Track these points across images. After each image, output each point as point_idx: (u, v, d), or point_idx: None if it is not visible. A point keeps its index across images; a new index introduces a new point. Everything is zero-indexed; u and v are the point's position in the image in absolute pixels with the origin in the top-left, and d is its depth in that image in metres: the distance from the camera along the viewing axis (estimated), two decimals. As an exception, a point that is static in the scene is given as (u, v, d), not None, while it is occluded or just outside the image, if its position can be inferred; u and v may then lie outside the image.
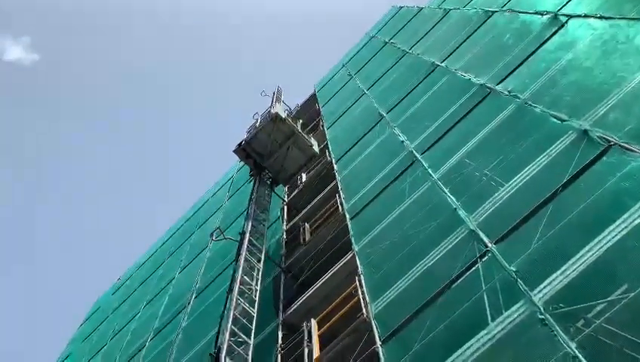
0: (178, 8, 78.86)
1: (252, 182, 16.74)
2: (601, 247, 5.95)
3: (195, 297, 16.64)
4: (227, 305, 11.11)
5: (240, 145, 16.13)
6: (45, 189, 75.48)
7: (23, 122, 74.83)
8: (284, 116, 16.05)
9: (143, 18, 79.76)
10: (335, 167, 16.13)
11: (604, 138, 7.22)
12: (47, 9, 75.50)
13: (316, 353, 9.90)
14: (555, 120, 8.47)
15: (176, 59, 79.75)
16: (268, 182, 16.38)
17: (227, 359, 9.15)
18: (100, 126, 78.16)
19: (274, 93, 18.02)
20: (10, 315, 65.31)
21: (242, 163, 22.06)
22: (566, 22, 10.91)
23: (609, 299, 5.42)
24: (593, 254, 5.98)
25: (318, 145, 17.89)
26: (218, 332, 11.53)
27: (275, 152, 16.07)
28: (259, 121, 16.56)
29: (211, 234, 13.91)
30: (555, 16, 11.41)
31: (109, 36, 78.16)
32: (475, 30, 14.97)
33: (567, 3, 11.65)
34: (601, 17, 9.88)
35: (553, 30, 11.06)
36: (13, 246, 71.71)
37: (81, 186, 76.59)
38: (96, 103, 78.38)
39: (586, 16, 10.36)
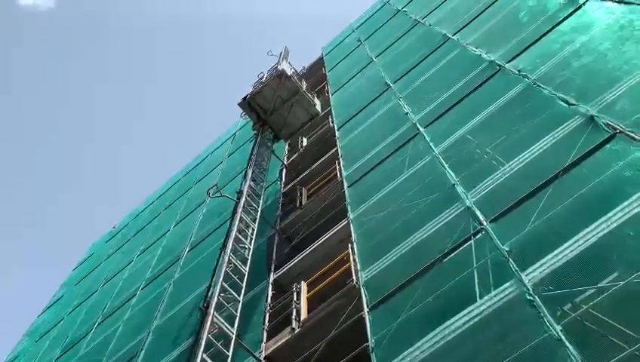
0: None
1: (253, 141, 16.79)
2: (597, 233, 5.97)
3: (189, 251, 16.79)
4: (219, 261, 11.22)
5: (245, 98, 16.42)
6: (55, 130, 75.28)
7: (38, 67, 74.17)
8: (289, 74, 16.30)
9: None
10: (337, 133, 16.05)
11: (610, 125, 7.16)
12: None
13: (304, 314, 10.05)
14: (562, 103, 8.38)
15: (197, 10, 78.30)
16: (269, 143, 16.38)
17: (216, 314, 9.27)
18: (112, 73, 77.49)
19: (281, 53, 17.91)
20: (10, 253, 66.12)
21: (245, 121, 22.07)
22: (584, 3, 10.68)
23: (599, 285, 5.47)
24: (588, 240, 6.00)
25: (322, 110, 17.92)
26: (209, 287, 11.68)
27: (279, 108, 16.42)
28: (265, 76, 16.72)
29: (208, 191, 13.92)
30: (574, -3, 11.15)
31: None
32: (490, 5, 14.63)
33: (587, -17, 11.38)
34: (620, 1, 9.67)
35: (570, 11, 10.83)
36: (18, 182, 71.95)
37: (91, 128, 76.29)
38: (109, 51, 77.53)
39: (605, -2, 10.14)
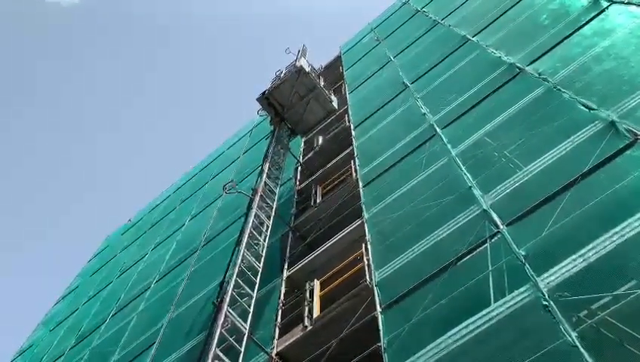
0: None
1: (269, 138, 16.89)
2: (614, 241, 5.92)
3: (204, 245, 16.91)
4: (234, 257, 11.28)
5: (263, 93, 16.63)
6: (77, 121, 76.13)
7: (59, 62, 75.12)
8: (307, 70, 16.50)
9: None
10: (353, 132, 16.04)
11: (631, 131, 7.09)
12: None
13: (316, 312, 10.08)
14: (582, 107, 8.30)
15: (219, 6, 78.77)
16: (285, 140, 16.45)
17: (229, 309, 9.33)
18: (133, 68, 78.18)
19: (299, 51, 18.01)
20: (27, 242, 67.08)
21: (262, 118, 22.18)
22: (607, 7, 10.56)
23: (616, 292, 5.42)
24: (605, 247, 5.95)
25: (339, 109, 17.97)
26: (222, 282, 11.75)
27: (296, 104, 16.62)
28: (283, 73, 16.93)
29: (224, 187, 14.00)
30: (596, 0, 11.03)
31: None
32: (511, 7, 14.52)
33: (611, -13, 11.25)
34: (644, 6, 9.56)
35: (592, 15, 10.72)
36: (34, 175, 72.91)
37: (112, 121, 77.04)
38: (131, 47, 78.23)
39: (629, 2, 10.01)
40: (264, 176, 14.03)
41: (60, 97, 76.49)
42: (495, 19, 14.59)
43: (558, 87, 9.28)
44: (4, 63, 72.28)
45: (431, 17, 19.73)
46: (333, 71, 25.90)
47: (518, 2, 14.44)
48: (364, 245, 10.26)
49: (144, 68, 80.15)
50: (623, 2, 10.19)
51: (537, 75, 10.12)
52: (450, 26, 17.05)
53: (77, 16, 76.55)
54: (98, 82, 77.79)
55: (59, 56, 75.14)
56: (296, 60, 17.10)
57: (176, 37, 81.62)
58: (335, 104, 17.40)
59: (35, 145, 73.73)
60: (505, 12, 14.52)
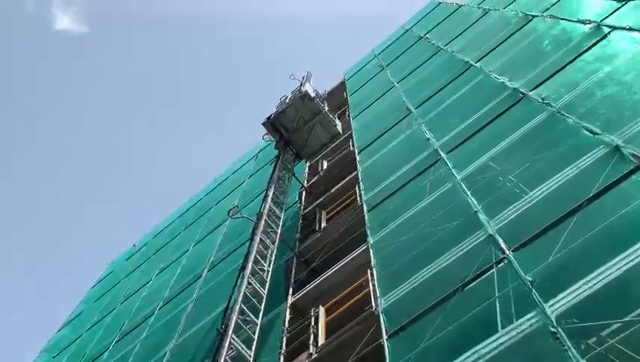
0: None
1: (274, 163, 17.00)
2: (622, 266, 5.87)
3: (208, 271, 16.85)
4: (238, 283, 11.25)
5: (269, 118, 17.00)
6: (83, 145, 76.71)
7: (68, 91, 76.18)
8: (312, 95, 16.88)
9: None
10: (357, 157, 16.10)
11: (636, 155, 7.09)
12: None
13: (322, 339, 9.99)
14: (586, 132, 8.32)
15: (220, 33, 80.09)
16: (290, 165, 16.55)
17: (234, 336, 9.26)
18: (139, 100, 79.16)
19: (303, 77, 18.29)
20: (28, 270, 66.99)
21: (266, 143, 22.34)
22: (609, 33, 10.66)
23: (625, 319, 5.35)
24: (613, 272, 5.90)
25: (343, 134, 18.11)
26: (226, 309, 11.68)
27: (301, 128, 16.98)
28: (288, 97, 17.29)
29: (229, 212, 14.03)
30: (598, 26, 11.14)
31: (162, 10, 78.66)
32: (514, 33, 14.70)
33: (611, 13, 11.37)
34: (646, 32, 9.64)
35: (594, 40, 10.81)
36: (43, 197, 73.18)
37: (120, 151, 77.60)
38: (138, 76, 79.34)
39: (630, 29, 10.10)
40: (269, 200, 14.06)
41: (65, 122, 77.23)
42: (498, 45, 14.74)
43: (562, 111, 9.31)
44: (13, 89, 73.28)
45: (434, 43, 19.96)
46: (337, 96, 26.14)
47: (520, 29, 14.61)
48: (369, 270, 10.21)
49: (150, 94, 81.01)
50: (624, 28, 10.29)
51: (541, 100, 10.17)
52: (453, 52, 17.24)
53: (85, 43, 77.78)
54: (103, 107, 78.62)
55: (65, 82, 76.07)
56: (301, 85, 17.41)
57: (186, 64, 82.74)
58: (339, 128, 17.68)
59: (39, 167, 74.16)
60: (507, 38, 14.69)
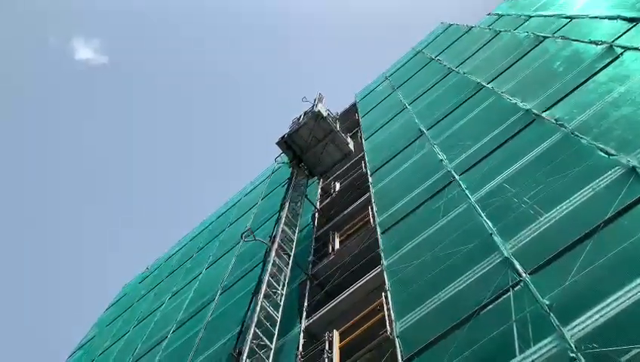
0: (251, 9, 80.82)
1: (287, 184, 17.12)
2: (641, 290, 5.77)
3: (221, 294, 16.81)
4: (252, 307, 11.21)
5: (283, 137, 17.57)
6: (94, 178, 77.62)
7: (89, 121, 77.60)
8: (325, 115, 17.48)
9: (210, 19, 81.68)
10: (370, 179, 16.08)
11: (653, 177, 7.02)
12: (123, 13, 78.35)
13: (336, 364, 9.88)
14: (602, 153, 8.26)
15: (247, 61, 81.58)
16: (302, 187, 16.62)
17: (248, 361, 9.20)
18: (154, 126, 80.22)
19: (315, 98, 18.57)
20: (39, 293, 67.23)
21: (279, 165, 22.56)
22: (621, 53, 10.65)
23: (646, 344, 5.25)
24: (632, 296, 5.80)
25: (355, 155, 18.22)
26: (239, 333, 11.63)
27: (314, 147, 17.59)
28: (302, 117, 17.85)
29: (242, 235, 14.05)
30: (611, 47, 11.14)
31: (178, 41, 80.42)
32: (525, 54, 14.73)
33: (624, 33, 11.37)
34: (659, 52, 9.62)
35: (607, 61, 10.80)
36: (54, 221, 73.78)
37: (134, 174, 78.41)
38: (157, 105, 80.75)
39: (643, 49, 10.09)
40: (282, 223, 14.06)
41: (81, 149, 78.21)
42: (509, 67, 14.77)
43: (576, 132, 9.26)
44: (32, 123, 74.58)
45: (445, 65, 20.04)
46: (349, 118, 26.24)
47: (531, 50, 14.64)
48: (383, 294, 10.13)
49: (164, 119, 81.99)
50: (637, 49, 10.27)
51: (554, 121, 10.13)
52: (464, 73, 17.28)
53: (105, 75, 79.28)
54: (121, 133, 79.63)
55: (84, 115, 77.46)
56: (313, 106, 17.81)
57: (200, 91, 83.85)
58: (351, 146, 18.19)
59: (53, 194, 74.91)
60: (519, 59, 14.71)
